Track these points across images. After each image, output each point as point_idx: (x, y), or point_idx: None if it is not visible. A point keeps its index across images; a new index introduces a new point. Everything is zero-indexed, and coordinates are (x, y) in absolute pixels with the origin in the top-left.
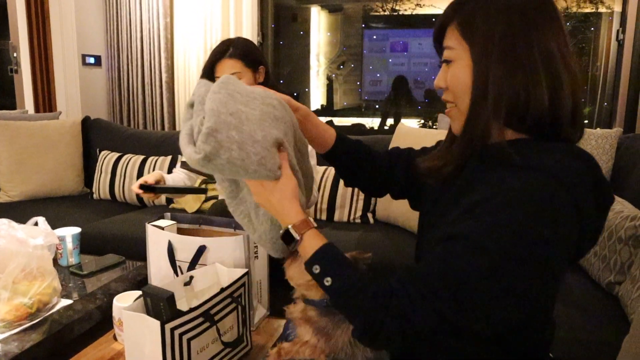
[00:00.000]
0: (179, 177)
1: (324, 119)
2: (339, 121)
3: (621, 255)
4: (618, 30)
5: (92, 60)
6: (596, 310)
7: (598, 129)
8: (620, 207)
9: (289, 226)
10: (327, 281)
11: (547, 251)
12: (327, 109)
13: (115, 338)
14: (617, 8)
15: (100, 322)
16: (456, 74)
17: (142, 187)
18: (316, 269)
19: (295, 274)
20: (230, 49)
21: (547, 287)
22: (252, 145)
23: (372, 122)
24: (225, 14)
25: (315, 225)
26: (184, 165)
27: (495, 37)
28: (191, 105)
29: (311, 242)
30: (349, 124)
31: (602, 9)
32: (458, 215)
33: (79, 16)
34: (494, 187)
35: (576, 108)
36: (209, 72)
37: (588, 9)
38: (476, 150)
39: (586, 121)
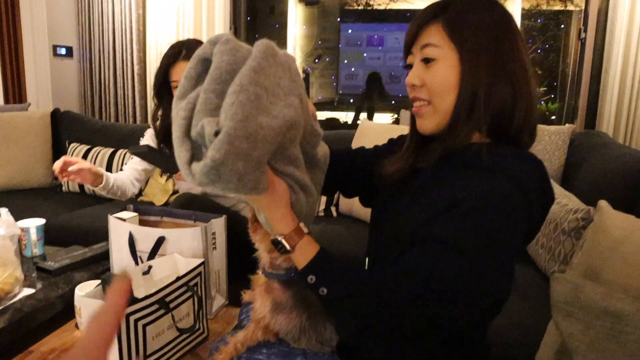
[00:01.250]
0: (124, 177)
1: None
2: None
3: (564, 246)
4: (580, 29)
5: (63, 51)
6: (538, 297)
7: (552, 126)
8: (566, 200)
9: (280, 238)
10: (323, 291)
11: (513, 245)
12: None
13: (77, 326)
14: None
15: (63, 312)
16: (440, 73)
17: None
18: (311, 279)
19: (259, 241)
20: (183, 51)
21: (511, 274)
22: (253, 172)
23: (347, 117)
24: (197, 7)
25: (307, 231)
26: (134, 150)
27: (485, 45)
28: (202, 63)
29: (304, 253)
30: (324, 118)
31: (570, 7)
32: (429, 215)
33: (50, 6)
34: (464, 190)
35: (531, 114)
36: (162, 79)
37: (558, 6)
38: (453, 151)
39: (553, 117)
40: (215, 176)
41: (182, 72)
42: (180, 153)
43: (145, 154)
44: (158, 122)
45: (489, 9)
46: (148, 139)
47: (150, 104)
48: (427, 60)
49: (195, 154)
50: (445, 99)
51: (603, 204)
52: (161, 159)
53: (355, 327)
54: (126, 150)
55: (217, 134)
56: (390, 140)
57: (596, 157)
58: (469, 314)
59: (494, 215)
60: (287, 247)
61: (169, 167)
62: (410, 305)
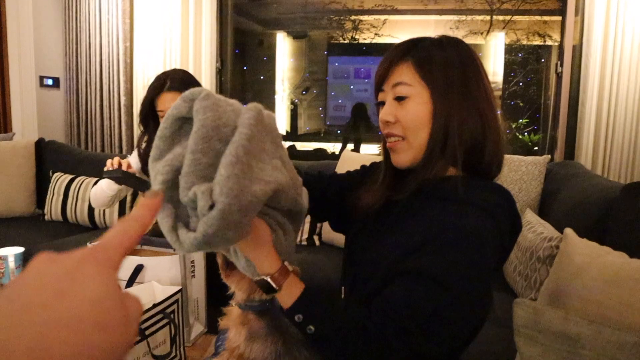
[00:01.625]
0: (98, 191)
1: (287, 144)
2: (301, 146)
3: (540, 274)
4: (557, 64)
5: (50, 81)
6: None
7: (528, 157)
8: (542, 229)
9: (267, 278)
10: (310, 329)
11: (488, 273)
12: (291, 134)
13: None
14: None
15: None
16: (412, 111)
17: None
18: (298, 317)
19: (236, 284)
20: (167, 82)
21: (489, 302)
22: (241, 233)
23: (334, 147)
24: (184, 40)
25: (292, 269)
26: (109, 174)
27: (454, 81)
28: (176, 122)
29: (290, 292)
30: (311, 148)
31: (549, 42)
32: (408, 248)
33: (38, 37)
34: (441, 223)
35: (499, 145)
36: (148, 108)
37: (537, 41)
38: (428, 184)
39: (536, 148)
40: (205, 246)
41: (167, 102)
42: (163, 220)
43: (119, 178)
44: (143, 147)
45: (455, 46)
46: (133, 158)
47: (136, 134)
48: (399, 98)
49: (179, 215)
50: (419, 134)
51: (569, 231)
52: (135, 180)
53: None
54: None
55: (211, 207)
56: (363, 167)
57: (571, 186)
58: (452, 343)
59: (471, 247)
60: (275, 286)
61: (143, 188)
62: (397, 339)
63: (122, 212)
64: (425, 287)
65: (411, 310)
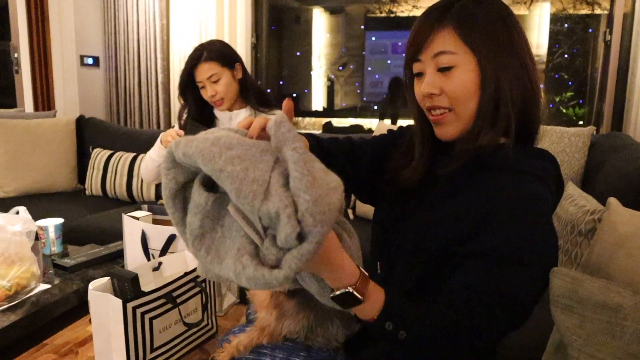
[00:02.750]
0: (148, 161)
1: (324, 120)
2: (337, 122)
3: (581, 248)
4: (605, 32)
5: (90, 61)
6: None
7: (571, 127)
8: (584, 202)
9: (349, 289)
10: (402, 335)
11: (556, 239)
12: (328, 110)
13: (90, 322)
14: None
15: (78, 307)
16: (459, 81)
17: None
18: (389, 325)
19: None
20: (204, 52)
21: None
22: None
23: (370, 123)
24: (219, 17)
25: (367, 273)
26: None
27: (501, 40)
28: (205, 183)
29: (375, 299)
30: (347, 124)
31: (598, 10)
32: (469, 225)
33: (78, 18)
34: (500, 195)
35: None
36: (187, 80)
37: (585, 10)
38: (478, 155)
39: (581, 122)
40: (287, 282)
41: (205, 73)
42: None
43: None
44: (184, 119)
45: (492, 1)
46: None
47: (174, 111)
48: (444, 69)
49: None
50: (468, 104)
51: (612, 200)
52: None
53: (437, 356)
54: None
55: (299, 235)
56: (391, 132)
57: (616, 158)
58: (527, 317)
59: (536, 216)
60: (359, 297)
61: None
62: (488, 328)
63: (159, 188)
64: (502, 268)
65: (496, 296)
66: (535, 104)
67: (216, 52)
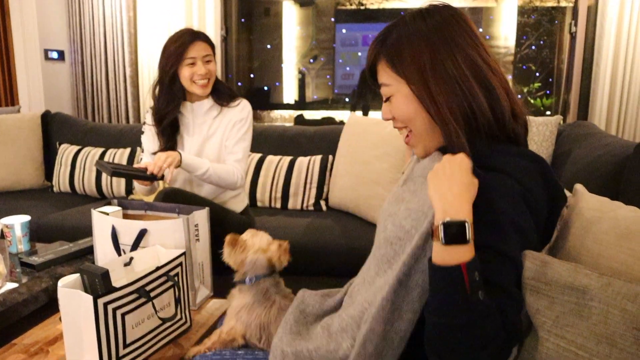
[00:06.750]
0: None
1: (295, 113)
2: (309, 114)
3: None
4: (570, 24)
5: (55, 55)
6: None
7: (539, 117)
8: None
9: (467, 223)
10: (481, 294)
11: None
12: (299, 103)
13: (61, 320)
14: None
15: (47, 305)
16: (400, 107)
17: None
18: (477, 276)
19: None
20: (200, 34)
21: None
22: None
23: (342, 115)
24: (188, 9)
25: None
26: (99, 165)
27: (426, 64)
28: None
29: (472, 247)
30: (319, 117)
31: (563, 3)
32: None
33: (41, 11)
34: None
35: (514, 105)
36: (179, 56)
37: (551, 2)
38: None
39: (548, 112)
40: None
41: (201, 50)
42: None
43: (112, 172)
44: (157, 98)
45: (423, 19)
46: (147, 132)
47: (143, 105)
48: (387, 99)
49: None
50: (416, 123)
51: (578, 187)
52: (127, 172)
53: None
54: (116, 150)
55: None
56: None
57: (583, 147)
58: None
59: (508, 207)
60: (469, 235)
61: (137, 177)
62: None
63: (129, 183)
64: (494, 261)
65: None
66: (494, 101)
67: (210, 40)
